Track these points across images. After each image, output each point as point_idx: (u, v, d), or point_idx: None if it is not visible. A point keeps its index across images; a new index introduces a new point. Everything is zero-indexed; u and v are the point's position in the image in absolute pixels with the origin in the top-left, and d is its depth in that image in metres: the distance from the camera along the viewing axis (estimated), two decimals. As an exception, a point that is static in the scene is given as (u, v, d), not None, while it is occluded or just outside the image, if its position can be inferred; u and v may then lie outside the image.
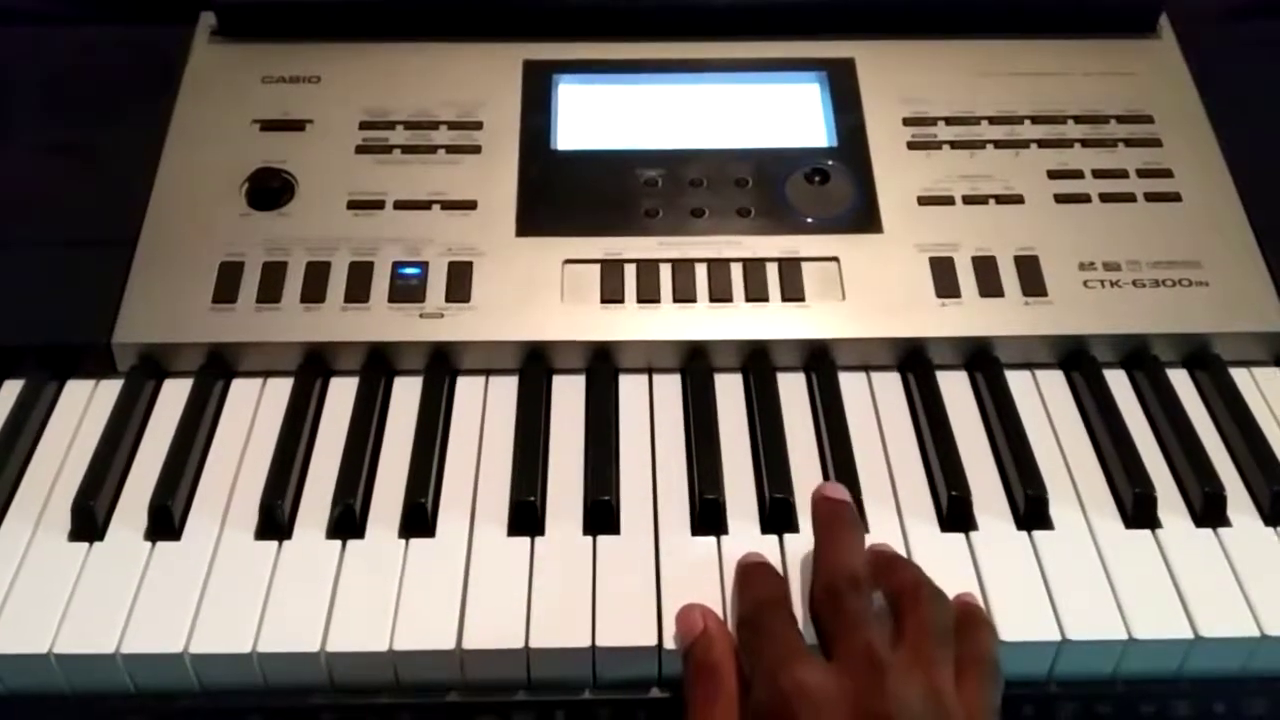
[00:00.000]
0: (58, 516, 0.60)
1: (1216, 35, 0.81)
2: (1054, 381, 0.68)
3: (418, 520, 0.60)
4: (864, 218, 0.71)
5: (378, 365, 0.67)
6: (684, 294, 0.68)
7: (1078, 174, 0.73)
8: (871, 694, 0.48)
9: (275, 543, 0.59)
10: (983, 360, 0.68)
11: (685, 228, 0.71)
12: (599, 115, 0.77)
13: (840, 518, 0.56)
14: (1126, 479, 0.61)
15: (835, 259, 0.70)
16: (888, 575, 0.54)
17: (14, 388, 0.66)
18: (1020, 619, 0.56)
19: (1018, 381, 0.67)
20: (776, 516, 0.60)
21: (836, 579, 0.53)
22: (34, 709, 0.56)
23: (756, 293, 0.68)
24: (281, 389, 0.66)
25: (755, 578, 0.56)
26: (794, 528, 0.60)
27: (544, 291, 0.68)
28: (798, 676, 0.48)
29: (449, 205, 0.72)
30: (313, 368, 0.67)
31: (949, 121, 0.76)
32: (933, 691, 0.48)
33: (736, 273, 0.69)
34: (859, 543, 0.56)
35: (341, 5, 0.79)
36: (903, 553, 0.59)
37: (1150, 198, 0.72)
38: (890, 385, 0.67)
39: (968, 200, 0.72)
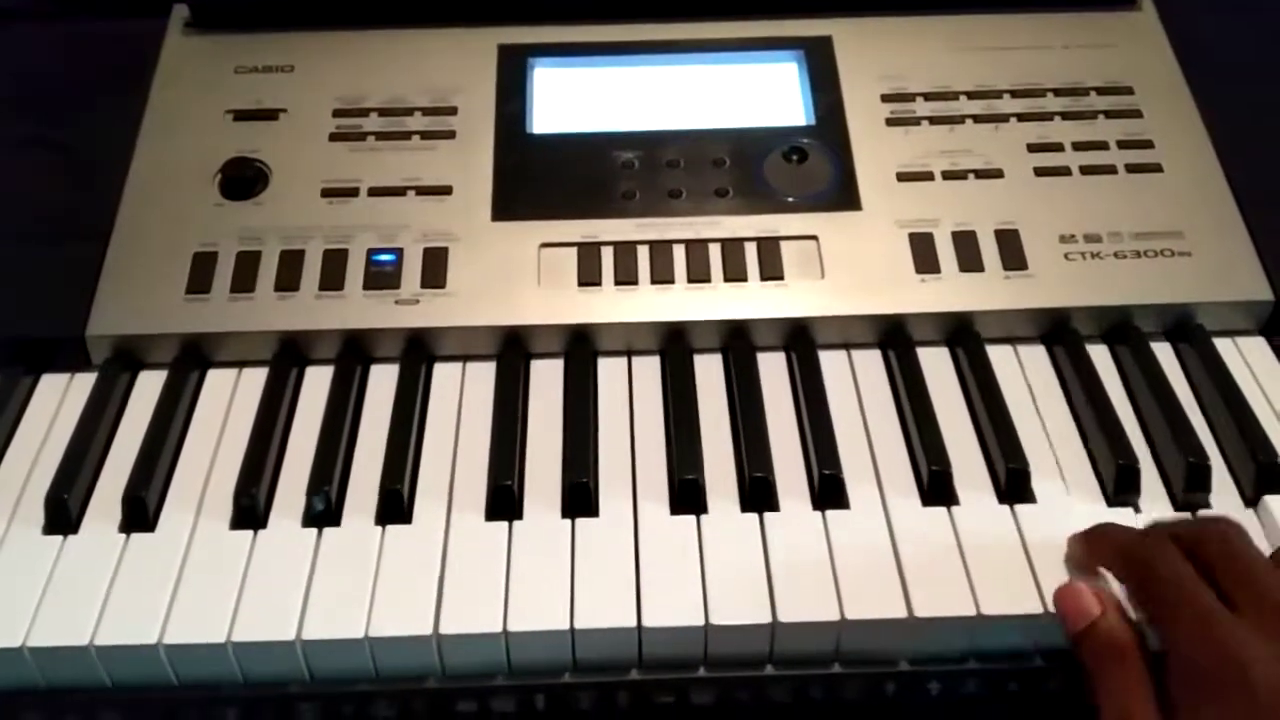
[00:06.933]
0: (32, 510, 0.60)
1: (1196, 6, 0.80)
2: (1035, 355, 0.67)
3: (394, 507, 0.59)
4: (843, 195, 0.71)
5: (354, 353, 0.67)
6: (662, 275, 0.68)
7: (1058, 147, 0.73)
8: None
9: (251, 533, 0.58)
10: (964, 335, 0.67)
11: (663, 209, 0.70)
12: (575, 98, 0.76)
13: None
14: (1109, 452, 0.61)
15: (814, 237, 0.69)
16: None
17: (-12, 382, 0.66)
18: (1003, 592, 0.55)
19: (999, 356, 0.66)
20: (757, 495, 0.59)
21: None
22: (7, 703, 0.56)
23: (735, 273, 0.68)
24: (257, 379, 0.66)
25: (1112, 528, 0.55)
26: (774, 506, 0.59)
27: (521, 276, 0.68)
28: (1251, 654, 0.47)
29: (424, 191, 0.71)
30: (288, 357, 0.67)
31: (927, 97, 0.75)
32: None
33: (715, 253, 0.69)
34: None
35: (314, -7, 0.78)
36: (884, 527, 0.58)
37: (1131, 169, 0.72)
38: (871, 363, 0.67)
39: (947, 175, 0.72)
